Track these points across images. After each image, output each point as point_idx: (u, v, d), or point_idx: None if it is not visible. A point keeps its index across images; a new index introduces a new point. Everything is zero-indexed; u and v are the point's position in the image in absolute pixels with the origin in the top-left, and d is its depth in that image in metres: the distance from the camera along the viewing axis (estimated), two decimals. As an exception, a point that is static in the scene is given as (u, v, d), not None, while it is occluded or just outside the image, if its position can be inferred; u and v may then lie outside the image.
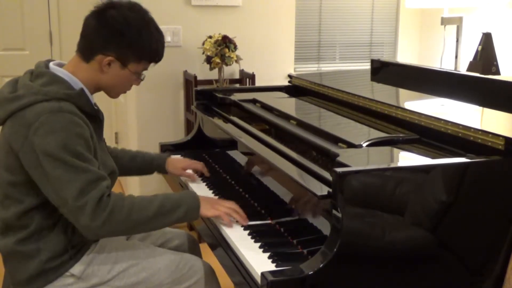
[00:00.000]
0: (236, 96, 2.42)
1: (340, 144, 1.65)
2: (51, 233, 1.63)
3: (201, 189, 2.03)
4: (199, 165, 2.15)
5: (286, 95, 2.47)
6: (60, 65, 1.70)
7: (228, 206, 1.71)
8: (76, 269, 1.66)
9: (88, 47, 1.67)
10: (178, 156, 2.38)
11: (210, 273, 1.85)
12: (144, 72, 1.78)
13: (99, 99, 1.79)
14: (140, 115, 3.49)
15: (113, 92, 1.77)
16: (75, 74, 1.67)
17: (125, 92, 1.80)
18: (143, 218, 1.58)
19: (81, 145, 1.55)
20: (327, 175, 1.44)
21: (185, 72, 3.47)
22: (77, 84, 1.65)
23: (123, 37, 1.65)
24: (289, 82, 2.68)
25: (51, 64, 1.68)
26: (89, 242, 1.71)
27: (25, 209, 1.61)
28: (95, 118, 1.69)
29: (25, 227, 1.62)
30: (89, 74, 1.68)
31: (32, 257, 1.62)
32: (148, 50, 1.71)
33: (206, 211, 1.68)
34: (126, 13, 1.66)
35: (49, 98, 1.56)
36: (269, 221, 1.71)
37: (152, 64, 1.78)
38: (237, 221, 1.69)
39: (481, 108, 1.89)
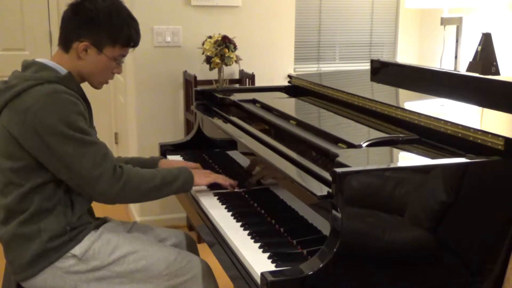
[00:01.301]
0: (236, 96, 2.42)
1: (340, 144, 1.65)
2: (50, 215, 1.69)
3: (200, 189, 2.03)
4: (196, 166, 2.13)
5: (286, 95, 2.47)
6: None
7: (218, 176, 1.96)
8: (77, 250, 1.70)
9: (65, 37, 1.78)
10: (177, 157, 2.38)
11: (207, 269, 1.86)
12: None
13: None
14: (140, 115, 3.49)
15: (95, 80, 1.83)
16: (60, 65, 1.76)
17: (107, 81, 1.87)
18: (150, 188, 1.75)
19: (81, 121, 1.65)
20: (326, 175, 1.44)
21: (185, 72, 3.47)
22: (63, 71, 1.74)
23: (94, 22, 1.74)
24: (289, 82, 2.67)
25: (36, 59, 1.77)
26: (89, 226, 1.76)
27: (25, 192, 1.67)
28: (85, 102, 1.76)
29: (25, 210, 1.68)
30: (70, 63, 1.77)
31: (33, 238, 1.67)
32: (120, 33, 1.78)
33: (200, 180, 1.89)
34: (98, 2, 1.76)
35: (41, 82, 1.65)
36: (269, 221, 1.72)
37: (130, 50, 1.85)
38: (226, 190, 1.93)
39: (480, 108, 1.89)
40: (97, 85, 1.85)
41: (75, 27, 1.75)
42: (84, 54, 1.75)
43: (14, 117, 1.64)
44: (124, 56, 1.83)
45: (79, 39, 1.74)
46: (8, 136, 1.65)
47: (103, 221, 1.86)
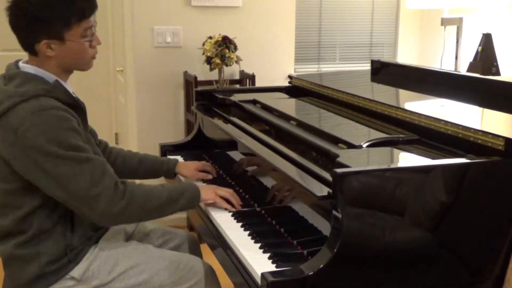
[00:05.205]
0: (236, 97, 2.42)
1: (340, 144, 1.65)
2: (50, 237, 1.63)
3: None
4: (209, 166, 2.15)
5: (286, 96, 2.47)
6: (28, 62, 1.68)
7: (226, 191, 1.83)
8: (76, 272, 1.66)
9: (23, 43, 1.66)
10: (177, 157, 2.38)
11: (210, 273, 1.84)
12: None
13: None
14: (140, 115, 3.49)
15: (79, 64, 1.69)
16: (43, 69, 1.64)
17: (94, 57, 1.71)
18: (155, 206, 1.65)
19: (74, 137, 1.54)
20: (327, 175, 1.44)
21: (185, 73, 3.47)
22: (49, 77, 1.63)
23: (34, 17, 1.60)
24: (289, 82, 2.68)
25: (20, 63, 1.67)
26: (88, 244, 1.71)
27: (23, 215, 1.60)
28: (77, 108, 1.66)
29: (24, 232, 1.62)
30: (47, 64, 1.64)
31: (31, 261, 1.62)
32: (66, 13, 1.60)
33: (205, 196, 1.79)
34: None
35: (26, 98, 1.54)
36: (269, 222, 1.72)
37: (92, 17, 1.66)
38: (232, 206, 1.81)
39: (481, 108, 1.89)
40: (84, 68, 1.71)
41: (24, 31, 1.62)
42: (50, 51, 1.61)
43: (4, 137, 1.54)
44: (90, 28, 1.65)
45: (36, 41, 1.60)
46: None
47: (104, 230, 1.81)
